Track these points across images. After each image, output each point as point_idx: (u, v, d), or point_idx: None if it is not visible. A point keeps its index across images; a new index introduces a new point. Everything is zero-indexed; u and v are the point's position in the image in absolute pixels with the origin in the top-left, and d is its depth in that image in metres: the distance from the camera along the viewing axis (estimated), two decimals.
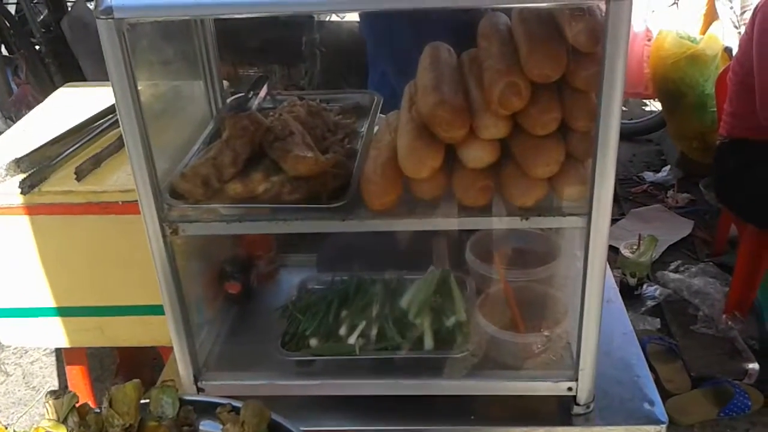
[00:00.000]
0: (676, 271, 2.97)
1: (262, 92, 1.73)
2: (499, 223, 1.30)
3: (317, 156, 1.31)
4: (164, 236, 1.33)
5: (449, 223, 1.32)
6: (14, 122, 2.95)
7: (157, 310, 1.50)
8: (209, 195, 1.33)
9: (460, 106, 1.26)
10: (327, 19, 3.32)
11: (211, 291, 1.71)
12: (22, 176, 1.75)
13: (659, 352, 2.58)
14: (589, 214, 1.25)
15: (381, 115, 1.63)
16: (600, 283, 1.31)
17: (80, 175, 1.67)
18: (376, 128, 1.58)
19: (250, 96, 1.73)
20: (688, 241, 3.23)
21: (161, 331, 1.54)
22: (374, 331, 1.50)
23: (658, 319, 2.77)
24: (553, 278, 1.60)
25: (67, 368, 2.11)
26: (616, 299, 1.80)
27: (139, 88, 1.26)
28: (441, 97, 1.27)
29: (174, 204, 1.33)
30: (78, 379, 2.09)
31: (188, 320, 1.43)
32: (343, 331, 1.50)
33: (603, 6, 1.11)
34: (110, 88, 1.22)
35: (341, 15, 3.35)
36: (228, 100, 1.75)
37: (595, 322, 1.35)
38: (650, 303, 2.83)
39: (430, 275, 1.63)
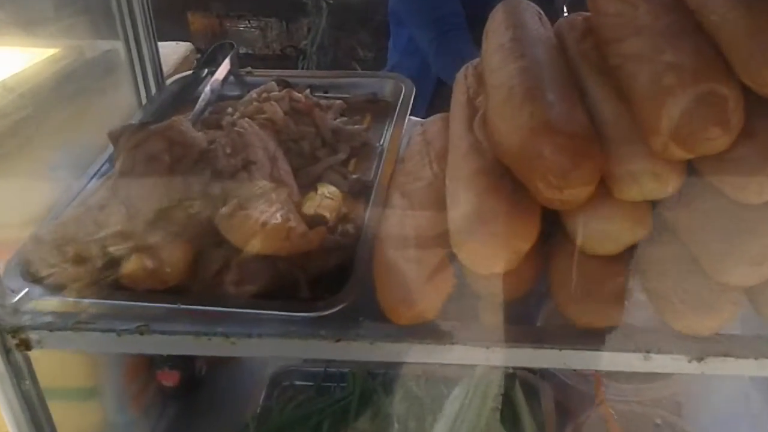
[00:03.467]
0: None
1: (222, 69, 1.09)
2: (640, 363, 0.67)
3: (292, 223, 0.67)
4: (6, 351, 0.71)
5: (538, 357, 0.69)
6: None
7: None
8: (88, 279, 0.71)
9: (586, 135, 0.61)
10: None
11: (137, 381, 1.10)
12: None
13: None
14: None
15: (413, 118, 0.99)
16: None
17: None
18: (403, 143, 0.94)
19: (203, 75, 1.10)
20: None
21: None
22: None
23: None
24: (685, 403, 0.98)
25: None
26: None
27: None
28: (546, 117, 0.62)
29: (19, 290, 0.70)
30: None
31: None
32: None
33: None
34: None
35: None
36: (168, 83, 1.12)
37: None
38: None
39: (482, 379, 1.01)
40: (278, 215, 0.65)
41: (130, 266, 0.68)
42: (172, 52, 1.53)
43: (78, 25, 0.95)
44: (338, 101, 1.01)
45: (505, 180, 0.64)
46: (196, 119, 0.95)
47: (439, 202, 0.71)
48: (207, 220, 0.68)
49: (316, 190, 0.82)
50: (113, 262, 0.70)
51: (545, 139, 0.60)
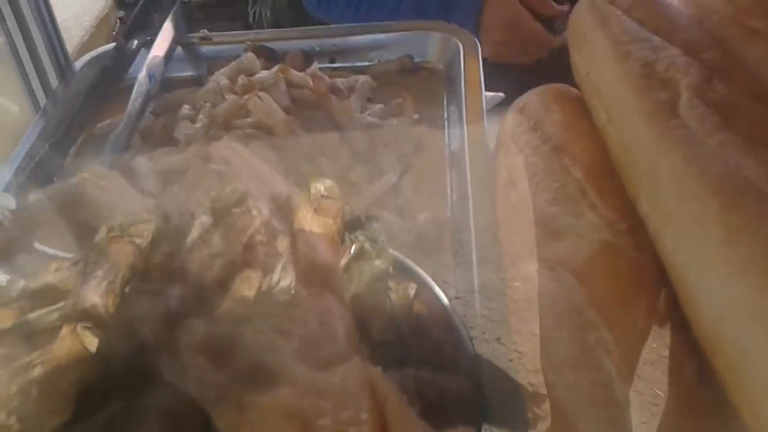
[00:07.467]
0: None
1: (163, 37, 0.68)
2: None
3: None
4: None
5: None
6: None
7: None
8: None
9: None
10: None
11: None
12: None
13: None
14: None
15: (489, 93, 0.61)
16: None
17: None
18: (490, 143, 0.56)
19: (132, 47, 0.69)
20: None
21: None
22: None
23: None
24: None
25: None
26: None
27: None
28: None
29: None
30: None
31: None
32: None
33: None
34: None
35: None
36: (78, 65, 0.71)
37: None
38: None
39: None
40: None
41: None
42: (83, 11, 1.10)
43: None
44: (362, 77, 0.62)
45: None
46: (128, 132, 0.55)
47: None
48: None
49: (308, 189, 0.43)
50: None
51: None
